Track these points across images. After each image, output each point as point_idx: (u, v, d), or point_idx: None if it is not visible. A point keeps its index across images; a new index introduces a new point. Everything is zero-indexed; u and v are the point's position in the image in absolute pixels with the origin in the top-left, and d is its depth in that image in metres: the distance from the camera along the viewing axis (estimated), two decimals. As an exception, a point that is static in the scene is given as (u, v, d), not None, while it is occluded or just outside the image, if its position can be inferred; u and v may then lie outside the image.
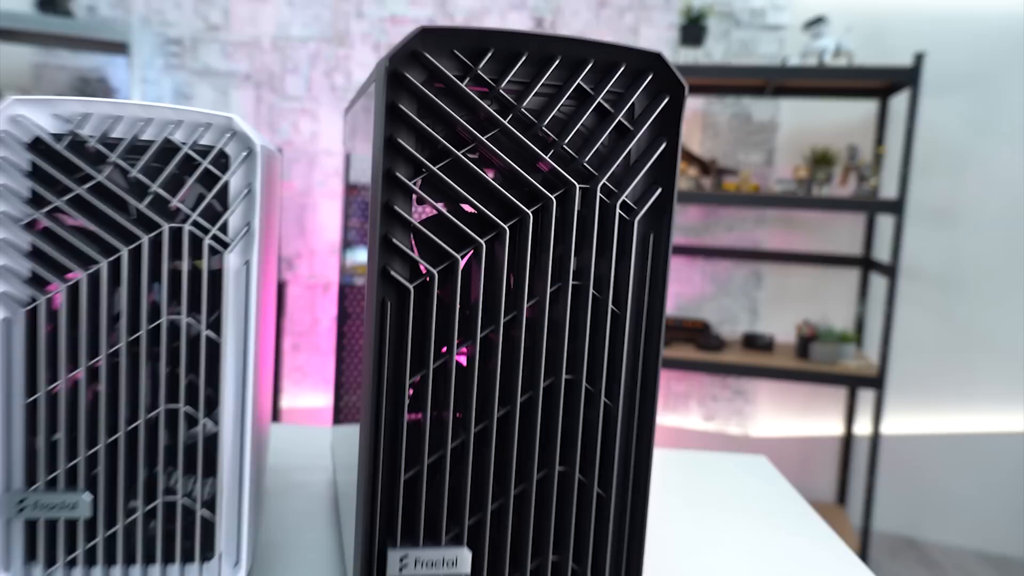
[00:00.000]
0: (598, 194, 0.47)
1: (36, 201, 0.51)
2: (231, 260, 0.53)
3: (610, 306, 0.48)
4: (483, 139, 0.44)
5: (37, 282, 0.51)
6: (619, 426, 0.49)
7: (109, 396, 0.53)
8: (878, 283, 2.69)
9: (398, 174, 0.44)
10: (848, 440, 2.75)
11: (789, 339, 2.72)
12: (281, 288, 2.78)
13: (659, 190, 0.48)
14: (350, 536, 0.60)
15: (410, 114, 0.44)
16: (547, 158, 0.46)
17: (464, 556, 0.48)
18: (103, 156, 0.51)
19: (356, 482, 0.48)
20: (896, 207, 2.23)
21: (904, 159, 2.25)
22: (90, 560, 0.54)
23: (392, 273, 0.45)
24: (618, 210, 0.47)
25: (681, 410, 2.96)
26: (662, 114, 0.48)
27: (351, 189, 0.79)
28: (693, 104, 2.83)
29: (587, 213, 0.47)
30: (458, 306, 0.46)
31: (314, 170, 2.97)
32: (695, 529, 0.74)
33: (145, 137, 0.51)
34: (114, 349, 0.52)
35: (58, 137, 0.50)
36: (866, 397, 2.73)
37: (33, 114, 0.50)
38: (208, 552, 0.55)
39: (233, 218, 0.53)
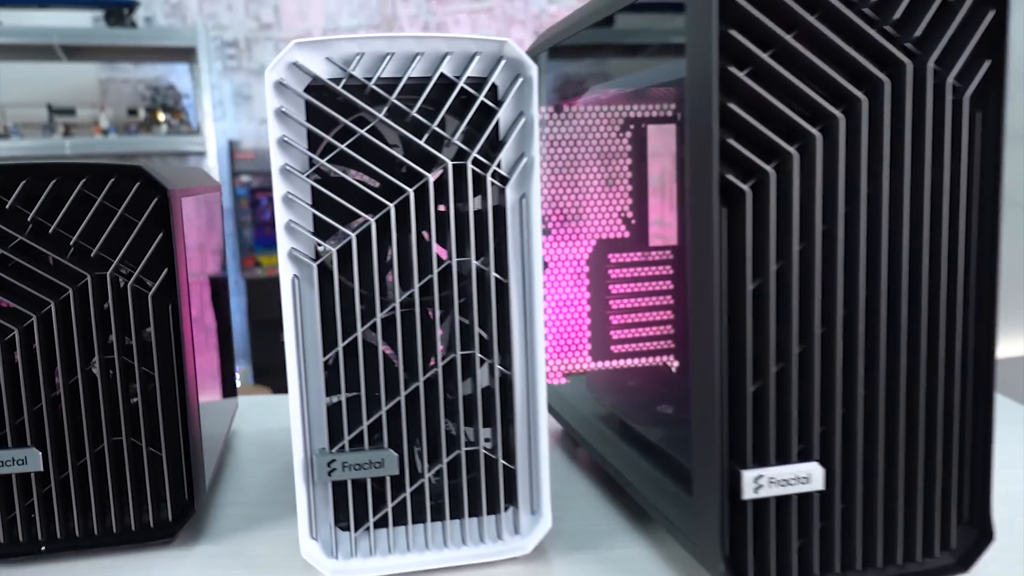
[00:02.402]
0: (930, 72, 0.43)
1: (314, 150, 0.49)
2: (509, 195, 0.51)
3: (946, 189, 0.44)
4: (812, 20, 0.41)
5: (323, 235, 0.49)
6: (961, 329, 0.46)
7: (406, 347, 0.51)
8: None
9: (731, 69, 0.41)
10: None
11: None
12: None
13: (987, 63, 0.44)
14: (636, 477, 0.58)
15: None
16: (875, 34, 0.42)
17: (816, 472, 0.45)
18: (378, 97, 0.49)
19: (695, 406, 0.46)
20: None
21: None
22: (398, 519, 0.52)
23: (728, 178, 0.42)
24: (949, 90, 0.44)
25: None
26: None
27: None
28: None
29: (918, 95, 0.44)
30: (796, 203, 0.43)
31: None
32: None
33: (416, 74, 0.49)
34: (405, 296, 0.50)
35: (335, 81, 0.48)
36: None
37: (309, 59, 0.48)
38: (508, 502, 0.53)
39: (506, 150, 0.51)
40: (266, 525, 0.61)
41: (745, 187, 0.43)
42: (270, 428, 0.85)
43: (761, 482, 0.45)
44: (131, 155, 2.61)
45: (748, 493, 0.45)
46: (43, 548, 0.56)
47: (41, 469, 0.55)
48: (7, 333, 0.54)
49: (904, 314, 0.45)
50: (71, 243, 0.54)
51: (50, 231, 0.54)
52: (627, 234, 0.75)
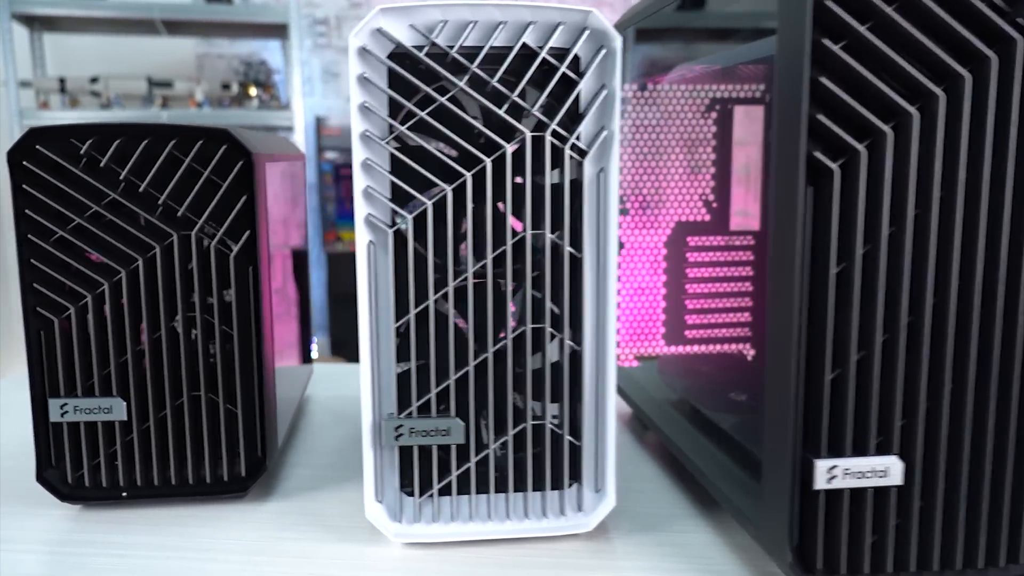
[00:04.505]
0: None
1: (394, 117, 0.49)
2: (587, 168, 0.50)
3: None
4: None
5: (399, 202, 0.50)
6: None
7: (476, 317, 0.51)
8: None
9: (825, 42, 0.40)
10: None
11: None
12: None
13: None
14: (704, 462, 0.57)
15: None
16: (983, 7, 0.40)
17: (895, 466, 0.43)
18: (459, 66, 0.49)
19: (769, 391, 0.44)
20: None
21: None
22: (462, 488, 0.52)
23: (816, 156, 0.41)
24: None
25: None
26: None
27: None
28: None
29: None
30: (888, 185, 0.41)
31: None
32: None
33: (498, 43, 0.49)
34: (478, 267, 0.50)
35: (418, 49, 0.48)
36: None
37: (393, 26, 0.48)
38: (572, 479, 0.53)
39: (586, 123, 0.50)
40: (334, 487, 0.62)
41: (834, 166, 0.41)
42: (342, 395, 0.87)
43: (835, 472, 0.43)
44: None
45: (820, 483, 0.43)
46: (124, 494, 0.58)
47: (125, 418, 0.57)
48: (97, 287, 0.56)
49: (1000, 306, 0.43)
50: (159, 203, 0.56)
51: (140, 190, 0.56)
52: (707, 217, 0.73)
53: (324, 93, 2.94)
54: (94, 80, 2.37)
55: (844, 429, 0.43)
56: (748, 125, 0.72)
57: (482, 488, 0.52)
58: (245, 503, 0.59)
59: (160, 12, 2.30)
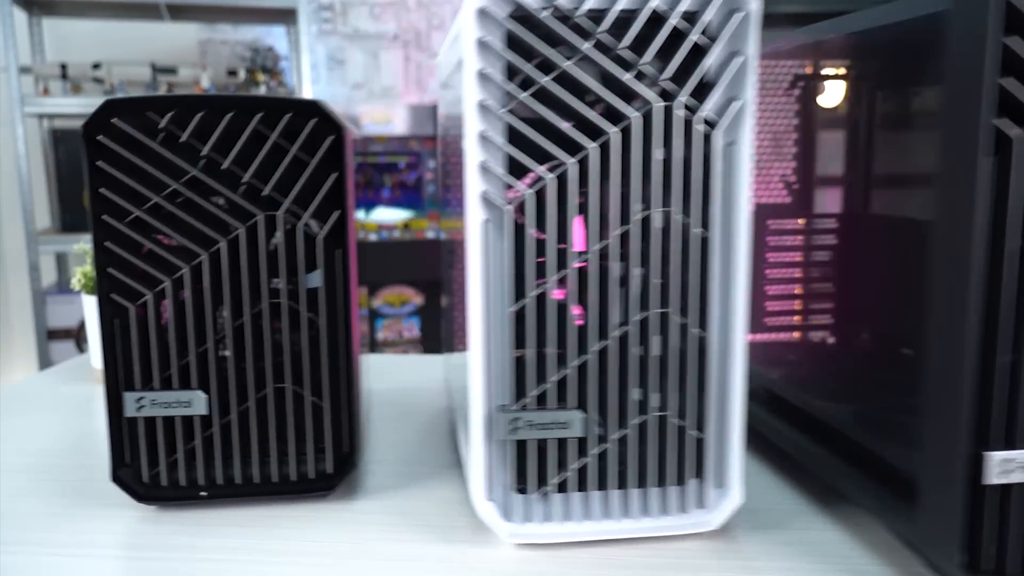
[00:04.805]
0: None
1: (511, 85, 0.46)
2: (716, 141, 0.47)
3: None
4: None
5: (516, 175, 0.46)
6: None
7: (599, 301, 0.47)
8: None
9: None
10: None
11: None
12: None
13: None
14: (822, 456, 0.54)
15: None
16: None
17: (1071, 461, 0.40)
18: (583, 30, 0.45)
19: (931, 382, 0.41)
20: None
21: None
22: (578, 485, 0.49)
23: (997, 123, 0.38)
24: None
25: None
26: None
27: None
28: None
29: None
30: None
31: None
32: None
33: (625, 6, 0.45)
34: (600, 248, 0.47)
35: (539, 11, 0.45)
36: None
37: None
38: (695, 474, 0.50)
39: (716, 93, 0.46)
40: (419, 483, 0.59)
41: (1017, 132, 0.38)
42: (398, 387, 0.83)
43: (1010, 466, 0.40)
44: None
45: (993, 478, 0.40)
46: (203, 493, 0.54)
47: (205, 412, 0.53)
48: (175, 271, 0.52)
49: None
50: (242, 181, 0.52)
51: (222, 168, 0.52)
52: (788, 200, 0.70)
53: (329, 80, 2.88)
54: (96, 66, 2.31)
55: (1017, 418, 0.40)
56: (836, 96, 0.69)
57: (600, 484, 0.49)
58: (330, 502, 0.56)
59: (165, -5, 2.24)
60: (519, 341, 0.47)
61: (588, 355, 0.47)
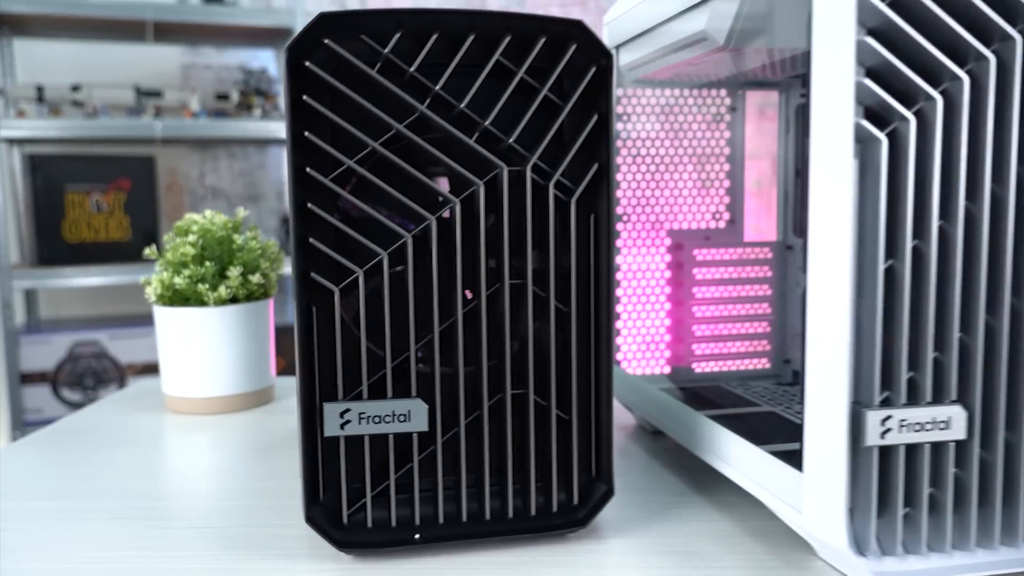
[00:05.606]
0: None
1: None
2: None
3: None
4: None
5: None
6: None
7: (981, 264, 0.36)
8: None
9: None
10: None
11: None
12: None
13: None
14: None
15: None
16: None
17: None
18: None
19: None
20: None
21: None
22: (956, 503, 0.38)
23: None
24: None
25: None
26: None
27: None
28: None
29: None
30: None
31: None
32: None
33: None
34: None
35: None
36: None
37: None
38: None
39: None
40: (664, 514, 0.47)
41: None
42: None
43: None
44: (224, 139, 2.48)
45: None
46: (417, 536, 0.42)
47: (426, 428, 0.41)
48: (393, 241, 0.40)
49: None
50: (478, 127, 0.40)
51: (453, 112, 0.40)
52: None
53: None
54: (76, 88, 2.15)
55: None
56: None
57: (980, 502, 0.38)
58: (574, 542, 0.43)
59: (154, 13, 2.10)
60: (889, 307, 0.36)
61: (978, 336, 0.36)
